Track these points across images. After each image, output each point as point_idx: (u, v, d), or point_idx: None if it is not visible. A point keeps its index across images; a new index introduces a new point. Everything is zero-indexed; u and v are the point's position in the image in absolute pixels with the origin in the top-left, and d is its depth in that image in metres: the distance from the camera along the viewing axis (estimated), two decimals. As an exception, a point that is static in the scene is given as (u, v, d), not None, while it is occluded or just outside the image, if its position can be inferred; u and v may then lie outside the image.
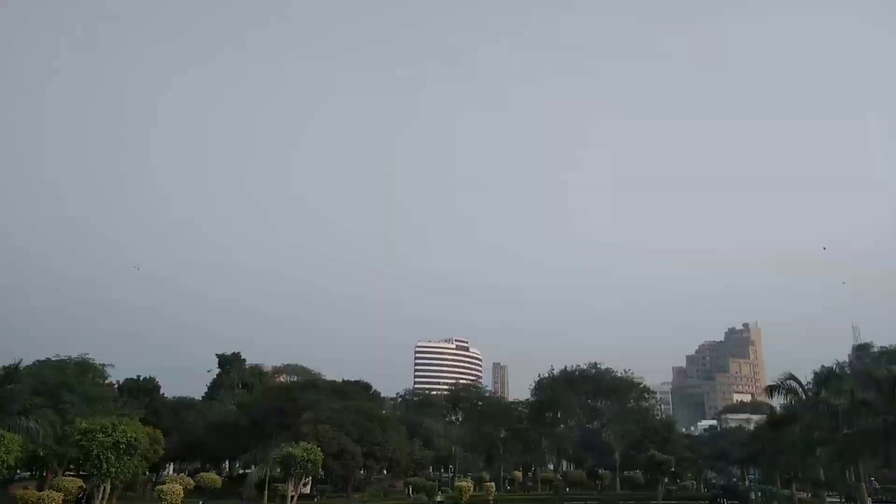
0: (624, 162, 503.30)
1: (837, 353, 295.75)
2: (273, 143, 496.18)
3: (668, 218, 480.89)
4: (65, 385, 56.27)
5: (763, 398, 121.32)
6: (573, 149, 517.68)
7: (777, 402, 59.71)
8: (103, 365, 65.97)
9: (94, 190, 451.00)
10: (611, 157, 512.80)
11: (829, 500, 50.78)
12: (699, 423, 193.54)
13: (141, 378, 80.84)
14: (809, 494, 60.14)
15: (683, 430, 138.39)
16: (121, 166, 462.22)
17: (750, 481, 79.51)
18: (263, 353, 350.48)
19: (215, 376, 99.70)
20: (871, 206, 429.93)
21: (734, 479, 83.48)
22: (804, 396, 50.36)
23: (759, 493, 71.44)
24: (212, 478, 58.82)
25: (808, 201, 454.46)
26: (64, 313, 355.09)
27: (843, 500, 54.40)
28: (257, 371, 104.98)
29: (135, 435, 36.14)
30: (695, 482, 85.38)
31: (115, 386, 72.74)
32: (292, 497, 46.15)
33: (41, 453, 49.32)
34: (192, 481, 53.67)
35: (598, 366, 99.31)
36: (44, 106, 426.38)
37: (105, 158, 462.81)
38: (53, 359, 61.36)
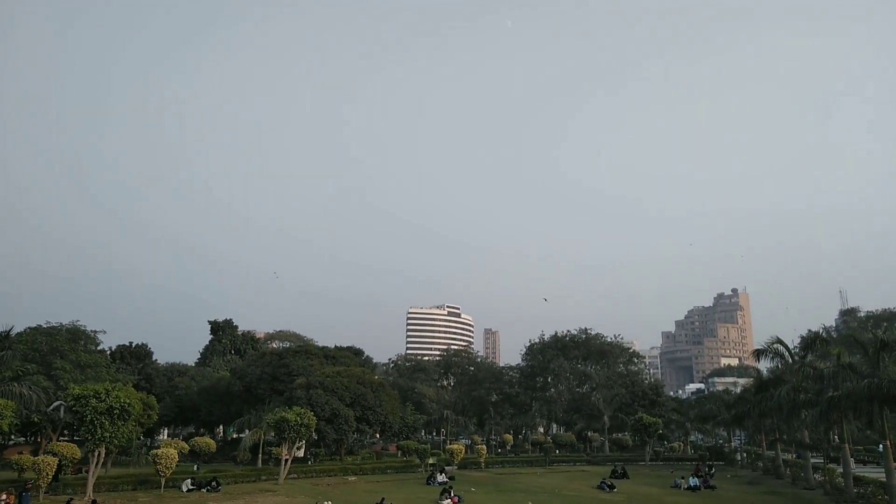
0: (615, 125, 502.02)
1: (825, 317, 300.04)
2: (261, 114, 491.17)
3: (658, 182, 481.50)
4: (56, 352, 56.39)
5: (750, 362, 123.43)
6: (562, 116, 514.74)
7: (764, 365, 60.52)
8: (95, 332, 66.05)
9: (85, 157, 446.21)
10: (601, 122, 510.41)
11: (812, 460, 51.86)
12: (687, 387, 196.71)
13: (133, 344, 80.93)
14: (794, 455, 61.42)
15: (671, 393, 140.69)
16: (110, 131, 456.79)
17: (736, 443, 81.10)
18: (255, 321, 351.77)
19: (207, 343, 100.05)
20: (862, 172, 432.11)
21: (720, 441, 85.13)
22: (791, 360, 51.02)
23: (745, 454, 72.88)
24: (206, 442, 59.24)
25: (800, 165, 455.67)
26: (54, 281, 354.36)
27: (827, 461, 55.61)
28: (249, 337, 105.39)
29: (128, 400, 36.21)
30: (682, 444, 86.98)
31: (108, 352, 72.82)
32: (286, 460, 46.68)
33: (35, 419, 49.64)
34: (186, 445, 54.04)
35: (588, 331, 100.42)
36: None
37: (93, 125, 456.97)
38: (44, 325, 61.27)
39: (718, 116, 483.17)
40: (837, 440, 48.88)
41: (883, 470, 37.96)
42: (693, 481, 49.07)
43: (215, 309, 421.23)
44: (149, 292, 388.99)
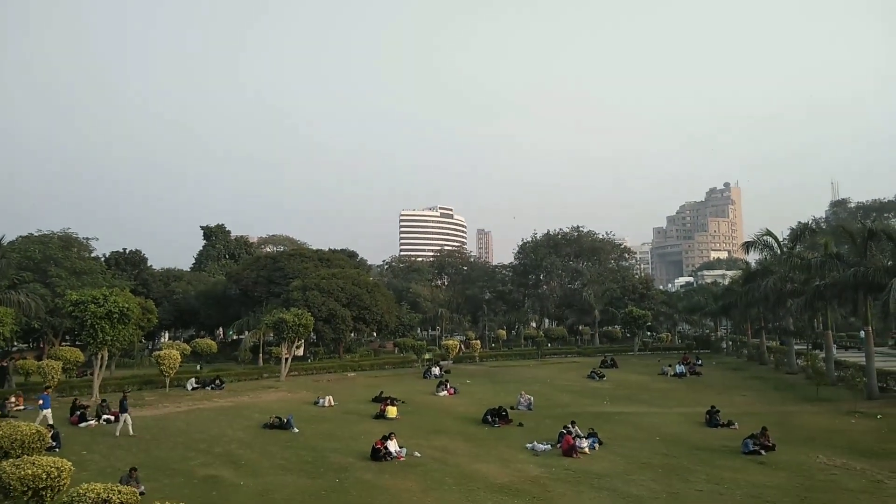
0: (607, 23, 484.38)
1: (816, 210, 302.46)
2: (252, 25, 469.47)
3: (654, 77, 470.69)
4: (51, 259, 56.31)
5: (739, 255, 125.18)
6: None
7: (753, 257, 61.48)
8: (87, 239, 65.86)
9: (79, 64, 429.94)
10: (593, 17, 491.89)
11: (796, 347, 53.57)
12: (676, 280, 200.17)
13: (127, 251, 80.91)
14: (778, 343, 63.40)
15: (661, 287, 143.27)
16: (102, 41, 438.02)
17: (722, 332, 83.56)
18: (247, 225, 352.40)
19: (201, 248, 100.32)
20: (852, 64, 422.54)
21: (707, 331, 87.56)
22: (779, 252, 51.56)
23: (730, 343, 75.26)
24: (207, 343, 60.51)
25: (791, 58, 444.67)
26: (43, 188, 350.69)
27: (810, 347, 57.50)
28: (243, 242, 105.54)
29: (126, 304, 36.58)
30: (669, 334, 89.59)
31: (102, 259, 72.91)
32: (287, 359, 47.95)
33: (35, 325, 50.33)
34: (188, 347, 55.23)
35: (580, 229, 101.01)
36: None
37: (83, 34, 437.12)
38: (36, 234, 60.91)
39: (714, 13, 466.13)
40: (821, 327, 50.30)
41: (863, 354, 39.36)
42: (679, 368, 50.88)
43: (206, 215, 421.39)
44: (136, 199, 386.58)
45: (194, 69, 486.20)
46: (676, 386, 44.89)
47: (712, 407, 30.90)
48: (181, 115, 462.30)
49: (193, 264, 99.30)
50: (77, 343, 56.06)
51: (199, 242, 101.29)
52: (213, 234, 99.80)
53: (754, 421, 28.66)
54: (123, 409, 26.12)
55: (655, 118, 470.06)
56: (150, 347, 71.35)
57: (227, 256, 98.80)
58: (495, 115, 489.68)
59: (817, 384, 39.29)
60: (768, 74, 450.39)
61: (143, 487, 17.35)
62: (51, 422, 25.45)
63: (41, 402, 27.31)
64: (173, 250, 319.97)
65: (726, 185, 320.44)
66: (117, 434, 25.58)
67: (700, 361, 57.27)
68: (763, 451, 23.84)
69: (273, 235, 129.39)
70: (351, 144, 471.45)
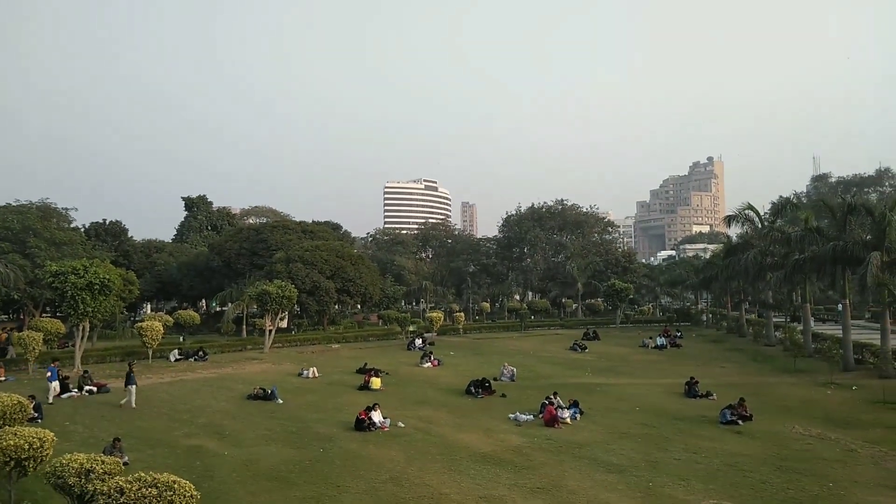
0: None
1: (798, 185, 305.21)
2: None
3: (639, 54, 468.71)
4: (29, 230, 55.45)
5: (721, 228, 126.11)
6: None
7: (734, 231, 62.17)
8: (66, 209, 64.83)
9: (56, 34, 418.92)
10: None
11: (774, 320, 54.40)
12: (659, 254, 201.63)
13: (107, 221, 79.84)
14: (757, 315, 64.41)
15: (644, 260, 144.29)
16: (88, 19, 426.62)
17: (702, 305, 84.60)
18: (229, 197, 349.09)
19: (182, 219, 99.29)
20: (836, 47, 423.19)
21: (688, 304, 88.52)
22: (760, 225, 52.13)
23: (710, 315, 76.29)
24: (190, 315, 60.21)
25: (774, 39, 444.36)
26: (19, 159, 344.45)
27: (788, 320, 58.44)
28: (225, 213, 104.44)
29: (107, 276, 36.23)
30: (651, 307, 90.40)
31: (82, 230, 71.91)
32: (270, 331, 47.90)
33: (15, 296, 49.77)
34: (170, 319, 54.91)
35: (565, 202, 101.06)
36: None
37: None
38: (14, 204, 59.85)
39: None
40: (800, 300, 51.06)
41: (840, 327, 40.07)
42: (660, 341, 51.58)
43: (187, 186, 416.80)
44: (115, 170, 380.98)
45: (177, 38, 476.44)
46: (657, 358, 45.52)
47: (691, 378, 31.41)
48: (161, 84, 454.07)
49: (175, 236, 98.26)
50: (58, 314, 55.54)
51: (181, 214, 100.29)
52: (195, 206, 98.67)
53: (732, 392, 29.19)
54: (131, 382, 26.14)
55: (642, 95, 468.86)
56: (132, 319, 70.85)
57: (210, 228, 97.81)
58: (482, 91, 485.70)
59: (795, 356, 40.00)
60: (757, 57, 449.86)
61: (126, 458, 17.42)
62: (39, 398, 25.26)
63: (49, 374, 27.31)
64: (154, 221, 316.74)
65: (709, 159, 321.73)
66: (123, 403, 25.77)
67: (680, 334, 58.02)
68: (740, 421, 24.34)
69: (256, 207, 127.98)
70: (336, 115, 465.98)
